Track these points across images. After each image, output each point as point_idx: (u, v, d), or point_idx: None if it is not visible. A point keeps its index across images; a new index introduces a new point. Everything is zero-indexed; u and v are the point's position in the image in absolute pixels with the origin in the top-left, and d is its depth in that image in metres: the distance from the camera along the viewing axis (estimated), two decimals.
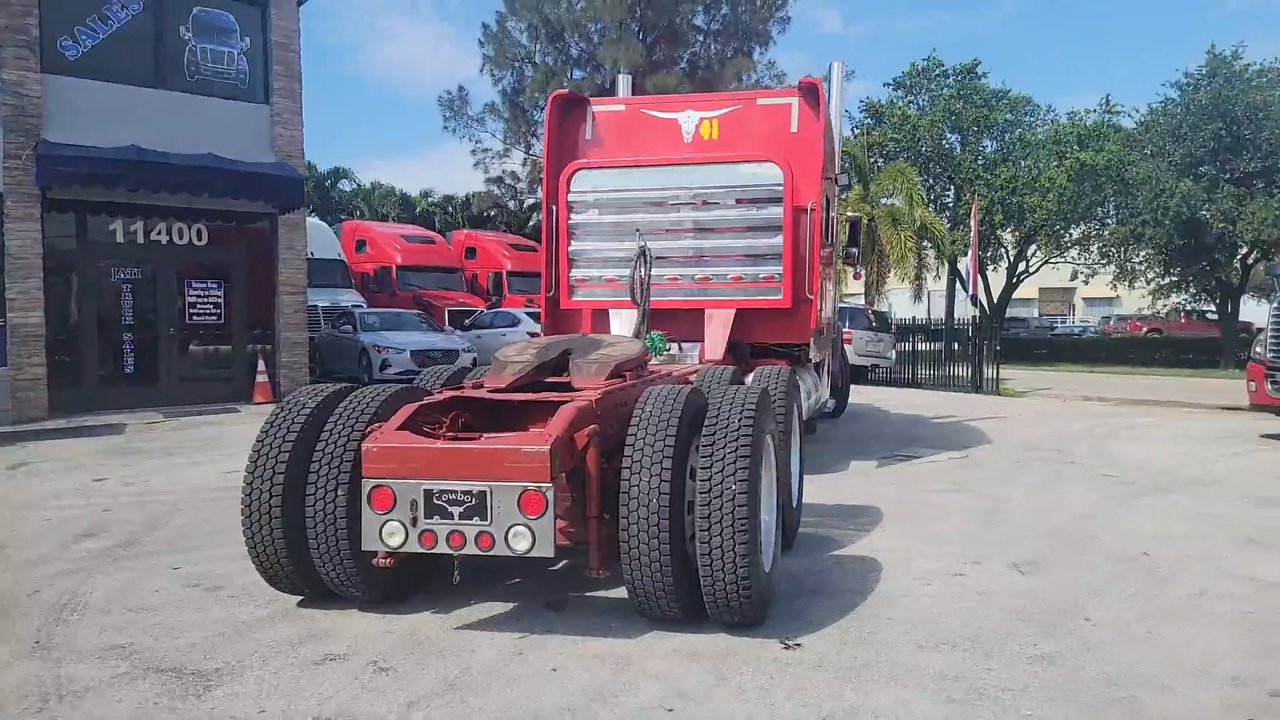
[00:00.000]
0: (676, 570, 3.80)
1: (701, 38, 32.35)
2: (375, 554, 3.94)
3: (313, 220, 19.79)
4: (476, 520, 3.71)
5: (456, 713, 3.26)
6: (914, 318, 22.32)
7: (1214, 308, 29.92)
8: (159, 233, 13.51)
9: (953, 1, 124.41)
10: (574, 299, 8.57)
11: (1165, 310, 32.94)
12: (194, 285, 13.90)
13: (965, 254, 25.94)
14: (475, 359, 17.34)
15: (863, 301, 24.37)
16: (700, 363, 7.28)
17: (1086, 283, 35.81)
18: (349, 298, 21.54)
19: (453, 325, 21.40)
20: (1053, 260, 34.28)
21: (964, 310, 26.35)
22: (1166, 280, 29.33)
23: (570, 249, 8.52)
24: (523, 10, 31.41)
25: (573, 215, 8.48)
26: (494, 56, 32.49)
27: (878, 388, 18.15)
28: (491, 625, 4.17)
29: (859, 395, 14.38)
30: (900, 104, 32.64)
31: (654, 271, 7.59)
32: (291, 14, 14.62)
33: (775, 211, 8.03)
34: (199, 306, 13.92)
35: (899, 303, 35.11)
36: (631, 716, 3.24)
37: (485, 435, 4.05)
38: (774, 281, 8.09)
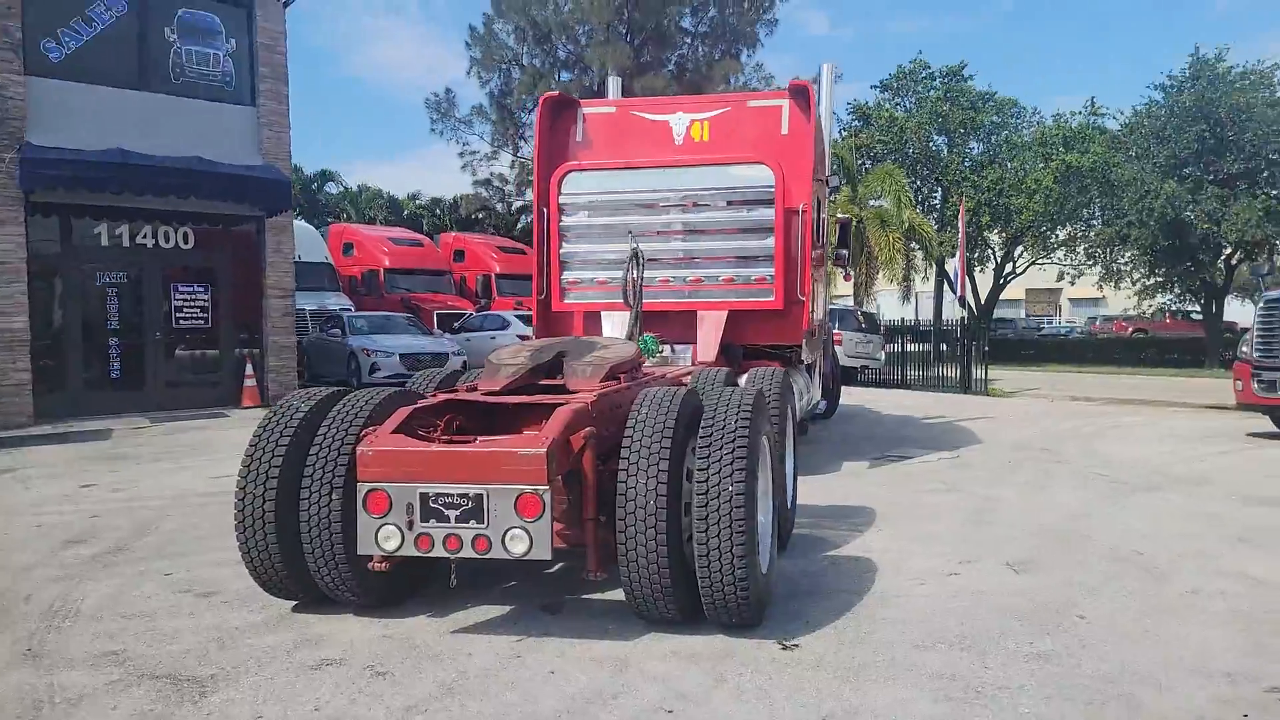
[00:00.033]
0: (674, 572, 3.79)
1: (689, 40, 32.42)
2: (370, 558, 3.91)
3: (300, 223, 19.67)
4: (473, 523, 3.69)
5: (455, 717, 3.24)
6: (902, 319, 22.41)
7: (1198, 308, 30.18)
8: (144, 236, 13.42)
9: (939, 5, 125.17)
10: (566, 302, 8.56)
11: (1150, 311, 33.24)
12: (180, 289, 13.81)
13: (953, 255, 26.06)
14: (465, 362, 17.30)
15: (852, 303, 24.45)
16: (693, 365, 7.28)
17: (1073, 283, 36.10)
18: (337, 301, 21.44)
19: (441, 328, 21.34)
20: (1039, 261, 34.52)
21: (952, 311, 26.52)
22: (1151, 281, 29.58)
23: (562, 251, 8.51)
24: (510, 12, 31.39)
25: (564, 218, 8.46)
26: (481, 59, 32.45)
27: (867, 389, 18.20)
28: (488, 629, 4.15)
29: (849, 396, 14.42)
30: (887, 106, 32.80)
31: (646, 273, 7.58)
32: (277, 15, 14.56)
33: (767, 213, 8.04)
34: (185, 310, 13.83)
35: (887, 304, 35.30)
36: (631, 718, 3.23)
37: (480, 438, 4.03)
38: (766, 283, 8.10)
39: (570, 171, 8.45)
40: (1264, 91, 25.17)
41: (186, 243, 13.80)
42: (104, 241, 13.16)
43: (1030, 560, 5.31)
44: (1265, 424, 11.19)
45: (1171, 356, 29.13)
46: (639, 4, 30.10)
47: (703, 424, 3.94)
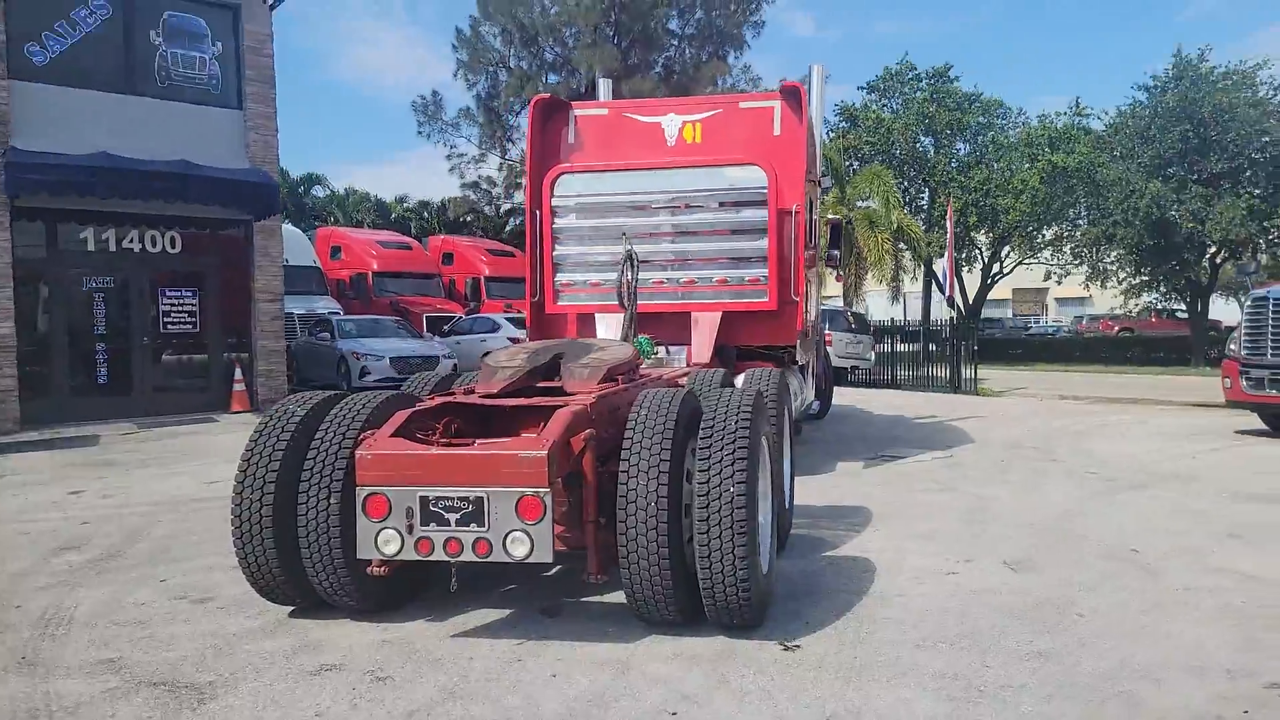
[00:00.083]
0: (675, 573, 3.78)
1: (676, 42, 32.44)
2: (369, 562, 3.89)
3: (287, 227, 19.59)
4: (473, 527, 3.67)
5: None
6: (892, 319, 22.50)
7: (1184, 307, 30.45)
8: (131, 241, 13.32)
9: (925, 6, 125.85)
10: (559, 304, 8.54)
11: (1136, 310, 33.50)
12: (168, 293, 13.72)
13: (941, 256, 26.20)
14: (455, 365, 17.25)
15: (841, 304, 24.54)
16: (688, 366, 7.28)
17: (1059, 283, 36.36)
18: (325, 305, 21.36)
19: (431, 331, 21.28)
20: (1026, 261, 34.75)
21: (940, 311, 26.63)
22: (1137, 280, 29.84)
23: (555, 254, 8.49)
24: (496, 14, 31.33)
25: (557, 220, 8.45)
26: (468, 61, 32.37)
27: (858, 389, 18.27)
28: (488, 632, 4.13)
29: (840, 397, 14.45)
30: (874, 107, 32.96)
31: (640, 275, 7.58)
32: (264, 18, 14.48)
33: (760, 214, 8.06)
34: (173, 315, 13.73)
35: (876, 304, 35.42)
36: None
37: (478, 441, 4.02)
38: (759, 284, 8.11)
39: (563, 174, 8.44)
40: (1246, 91, 25.44)
41: (174, 247, 13.71)
42: (90, 246, 13.05)
43: (1027, 559, 5.33)
44: (1253, 421, 11.28)
45: (1157, 355, 29.38)
46: (626, 6, 30.11)
47: (702, 425, 3.93)
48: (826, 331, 15.44)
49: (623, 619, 4.15)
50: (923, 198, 33.89)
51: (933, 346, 19.93)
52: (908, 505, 6.90)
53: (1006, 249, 34.06)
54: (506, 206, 36.23)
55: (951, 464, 8.96)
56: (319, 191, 47.33)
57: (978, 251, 34.51)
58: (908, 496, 7.25)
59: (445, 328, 21.65)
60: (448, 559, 3.73)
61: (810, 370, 9.75)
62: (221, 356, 14.22)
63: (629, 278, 7.09)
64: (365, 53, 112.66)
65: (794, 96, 8.49)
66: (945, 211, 24.68)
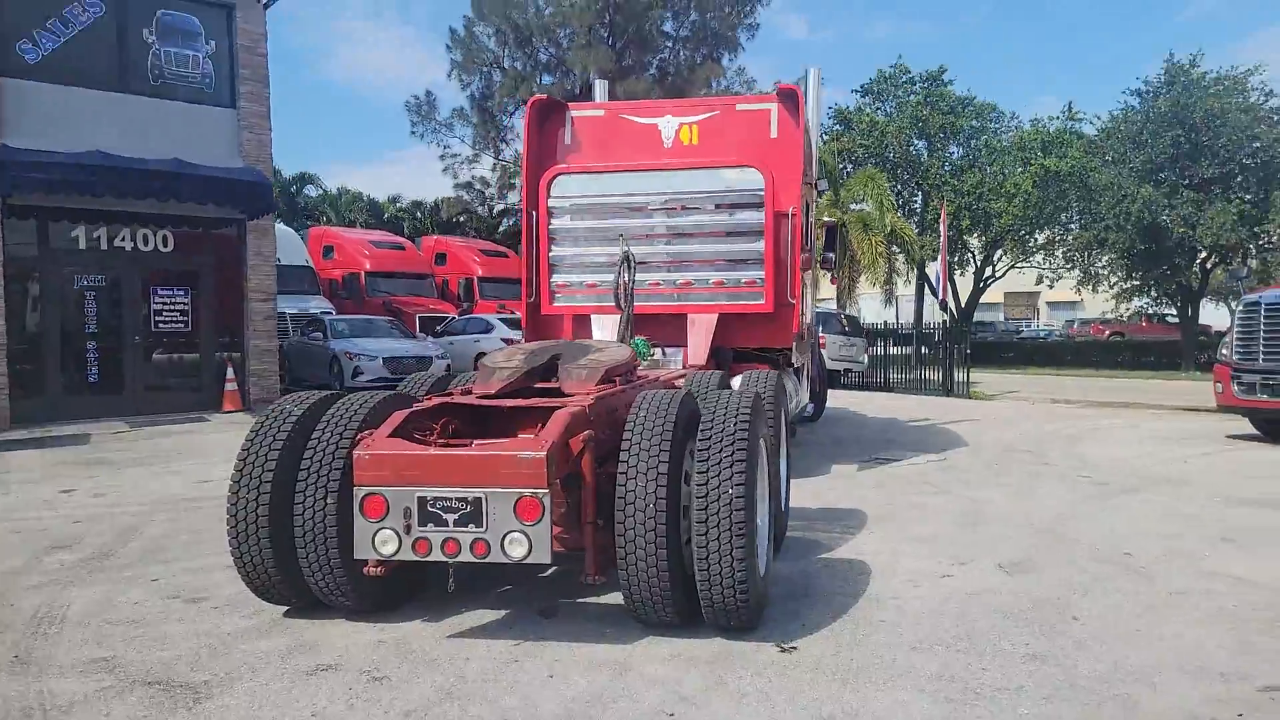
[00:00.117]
0: (673, 575, 3.78)
1: (670, 44, 32.49)
2: (365, 562, 3.88)
3: (280, 226, 19.50)
4: (472, 527, 3.66)
5: None
6: (885, 322, 22.56)
7: (1174, 311, 30.61)
8: (123, 239, 13.26)
9: (918, 10, 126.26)
10: (555, 305, 8.53)
11: (1127, 314, 33.68)
12: (160, 292, 13.66)
13: (934, 259, 26.29)
14: (449, 365, 17.22)
15: (834, 306, 24.59)
16: (684, 368, 7.28)
17: (1051, 287, 36.51)
18: (317, 304, 21.29)
19: (424, 332, 21.23)
20: (1019, 265, 34.88)
21: (932, 314, 26.71)
22: (1129, 284, 29.99)
23: (551, 254, 8.49)
24: (490, 15, 31.32)
25: (553, 220, 8.44)
26: (462, 61, 32.37)
27: (850, 392, 18.30)
28: (484, 633, 4.12)
29: (833, 399, 14.48)
30: (868, 110, 33.05)
31: (636, 276, 7.58)
32: (258, 17, 14.43)
33: (757, 216, 8.06)
34: (165, 314, 13.67)
35: (868, 307, 35.54)
36: None
37: (476, 442, 4.01)
38: (756, 286, 8.11)
39: (559, 174, 8.43)
40: (1237, 97, 25.61)
41: (166, 246, 13.65)
42: (82, 244, 12.99)
43: (1022, 561, 5.34)
44: (1244, 425, 11.34)
45: (1148, 359, 29.54)
46: (620, 7, 30.14)
47: (701, 427, 3.93)
48: (820, 334, 15.47)
49: (619, 620, 4.15)
50: (916, 201, 34.00)
51: (925, 349, 20.00)
52: (902, 508, 6.92)
53: (999, 253, 34.18)
54: (500, 207, 36.23)
55: (945, 467, 8.99)
56: (311, 191, 47.19)
57: (970, 255, 34.63)
58: (902, 499, 7.26)
59: (438, 328, 21.61)
60: (445, 559, 3.72)
61: (805, 373, 9.76)
62: (213, 356, 14.15)
63: (626, 279, 7.08)
64: (358, 53, 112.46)
65: (791, 99, 8.50)
66: (939, 215, 24.78)
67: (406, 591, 4.43)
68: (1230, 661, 3.79)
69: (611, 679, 3.57)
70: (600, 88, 10.82)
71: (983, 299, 37.21)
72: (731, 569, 3.71)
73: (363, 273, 24.59)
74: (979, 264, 34.65)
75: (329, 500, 3.93)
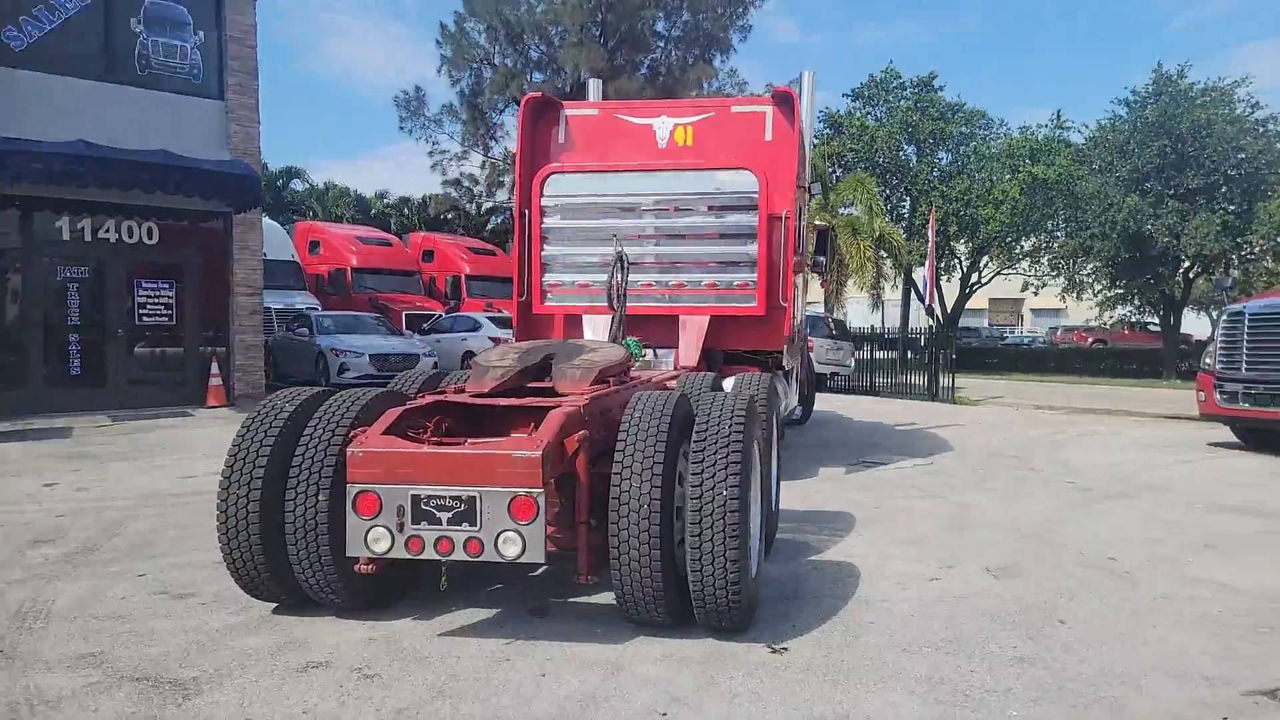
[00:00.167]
0: (666, 576, 3.79)
1: (663, 44, 32.48)
2: (356, 560, 3.86)
3: (266, 220, 19.37)
4: (465, 526, 3.65)
5: (448, 719, 3.21)
6: (872, 327, 22.66)
7: (1157, 320, 30.91)
8: (107, 230, 13.13)
9: (909, 15, 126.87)
10: (546, 304, 8.52)
11: (1111, 322, 33.99)
12: (144, 285, 13.52)
13: (921, 264, 26.43)
14: (436, 363, 17.16)
15: (822, 310, 24.68)
16: (675, 369, 7.29)
17: (1036, 294, 36.78)
18: (303, 300, 21.18)
19: (411, 329, 21.16)
20: (1005, 271, 35.12)
21: (919, 319, 26.84)
22: (1112, 292, 30.25)
23: (543, 254, 8.47)
24: (481, 11, 31.21)
25: (546, 219, 8.43)
26: (452, 57, 32.20)
27: (836, 395, 18.37)
28: (476, 632, 4.11)
29: (820, 403, 14.53)
30: (859, 115, 33.18)
31: (629, 277, 7.58)
32: (247, 8, 14.32)
33: (750, 219, 8.08)
34: (149, 307, 13.54)
35: (856, 311, 35.67)
36: None
37: (470, 440, 4.00)
38: (748, 289, 8.13)
39: (553, 173, 8.42)
40: (1224, 108, 25.89)
41: (151, 238, 13.52)
42: (65, 235, 12.84)
43: (1009, 565, 5.38)
44: (1224, 434, 11.47)
45: (1130, 367, 29.83)
46: (613, 6, 30.11)
47: (696, 428, 3.94)
48: (809, 338, 15.53)
49: (611, 620, 4.16)
50: (904, 206, 34.17)
51: (911, 354, 20.10)
52: (890, 511, 6.95)
53: (985, 259, 34.41)
54: (488, 204, 36.12)
55: (932, 471, 9.04)
56: (298, 185, 46.95)
57: (957, 261, 34.84)
58: (889, 503, 7.30)
59: (425, 325, 21.54)
60: (439, 558, 3.71)
61: (795, 376, 9.79)
62: (198, 350, 14.03)
63: (618, 279, 7.08)
64: (347, 47, 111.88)
65: (786, 102, 8.52)
66: (926, 220, 24.91)
67: (398, 589, 4.42)
68: (1214, 666, 3.84)
69: (604, 678, 3.57)
70: (594, 87, 10.81)
71: (968, 305, 37.45)
72: (724, 570, 3.72)
73: (349, 268, 24.48)
74: (965, 270, 34.86)
75: (321, 497, 3.91)
